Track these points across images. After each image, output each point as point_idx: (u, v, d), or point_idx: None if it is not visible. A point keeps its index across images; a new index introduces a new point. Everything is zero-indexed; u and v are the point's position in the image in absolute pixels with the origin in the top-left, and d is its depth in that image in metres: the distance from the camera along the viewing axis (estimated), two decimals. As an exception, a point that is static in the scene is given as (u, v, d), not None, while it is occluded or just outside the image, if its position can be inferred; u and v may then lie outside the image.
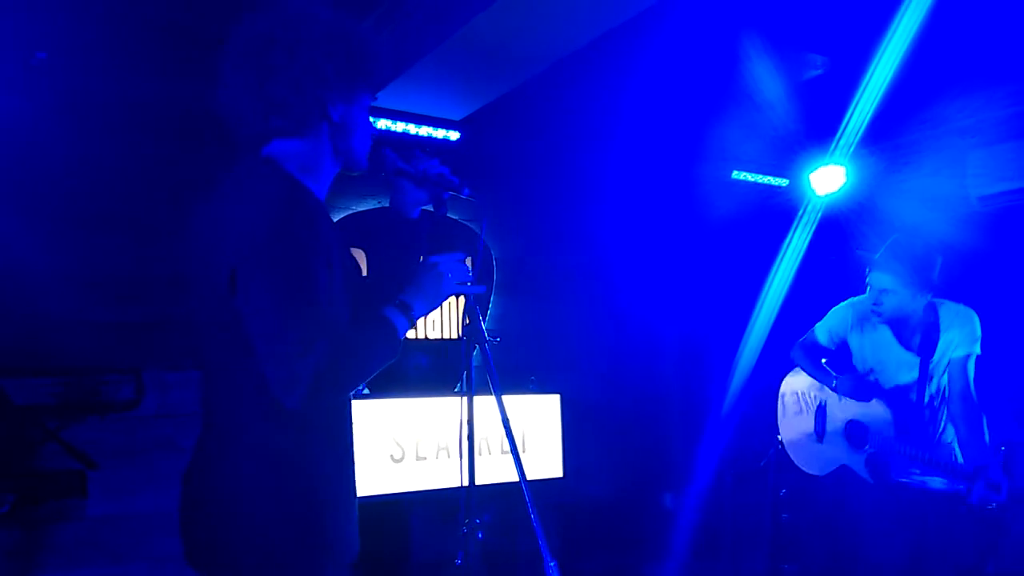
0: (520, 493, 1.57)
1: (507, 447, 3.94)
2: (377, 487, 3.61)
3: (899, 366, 2.98)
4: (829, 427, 3.21)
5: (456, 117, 4.14)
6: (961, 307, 2.96)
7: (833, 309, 3.23)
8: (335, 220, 4.00)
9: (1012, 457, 4.16)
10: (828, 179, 4.63)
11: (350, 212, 4.04)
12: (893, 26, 3.64)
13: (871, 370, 3.07)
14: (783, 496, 3.82)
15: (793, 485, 3.77)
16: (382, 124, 3.97)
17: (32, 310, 3.07)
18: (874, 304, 2.93)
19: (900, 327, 2.98)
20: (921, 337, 2.94)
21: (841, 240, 4.78)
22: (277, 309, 1.36)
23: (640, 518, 4.40)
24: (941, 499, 2.89)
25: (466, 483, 1.67)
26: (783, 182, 5.25)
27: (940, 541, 2.92)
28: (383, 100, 3.87)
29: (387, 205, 1.84)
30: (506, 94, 3.86)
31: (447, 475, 3.73)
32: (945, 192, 4.62)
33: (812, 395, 3.35)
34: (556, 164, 4.68)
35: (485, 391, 1.68)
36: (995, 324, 4.46)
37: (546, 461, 4.17)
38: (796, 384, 3.46)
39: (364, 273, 1.89)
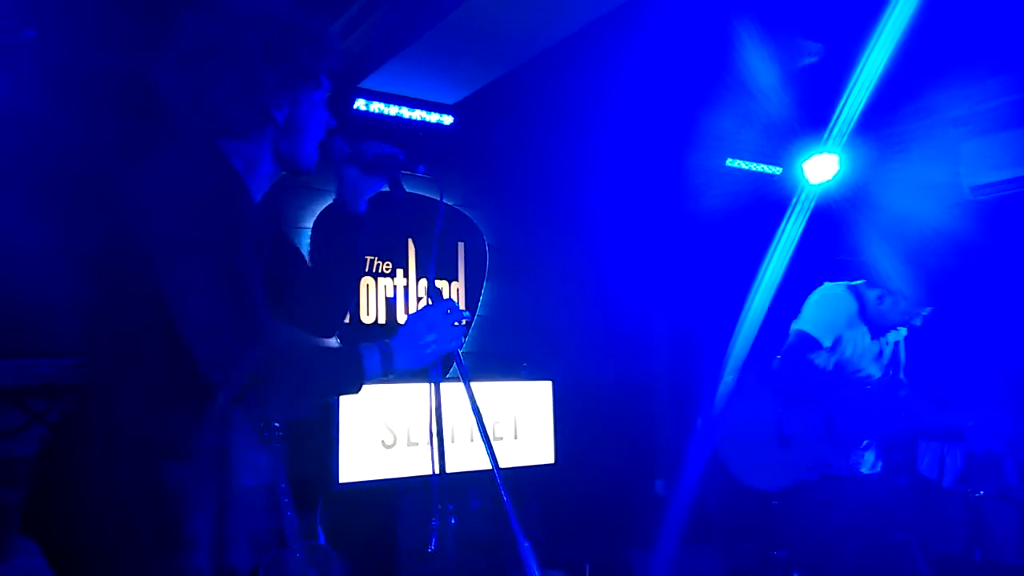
0: (508, 479, 1.56)
1: (498, 434, 3.94)
2: (368, 473, 3.60)
3: (872, 357, 3.02)
4: (797, 428, 3.00)
5: (450, 101, 4.11)
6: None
7: (822, 300, 3.00)
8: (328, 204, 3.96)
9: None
10: (821, 167, 4.63)
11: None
12: (888, 13, 3.63)
13: (856, 368, 3.03)
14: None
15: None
16: (375, 107, 3.93)
17: (16, 291, 3.03)
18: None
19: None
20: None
21: (834, 229, 4.78)
22: (207, 302, 1.32)
23: (632, 504, 4.40)
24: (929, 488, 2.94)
25: (438, 471, 1.66)
26: (777, 170, 5.24)
27: (925, 529, 2.93)
28: (376, 83, 3.84)
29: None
30: (500, 79, 3.83)
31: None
32: (938, 181, 4.62)
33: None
34: (550, 150, 4.66)
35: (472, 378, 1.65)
36: (988, 314, 4.49)
37: (538, 447, 4.16)
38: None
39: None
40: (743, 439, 3.00)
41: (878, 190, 4.69)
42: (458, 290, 4.35)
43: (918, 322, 2.99)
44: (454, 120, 4.15)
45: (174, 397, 1.40)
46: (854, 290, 3.01)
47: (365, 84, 3.83)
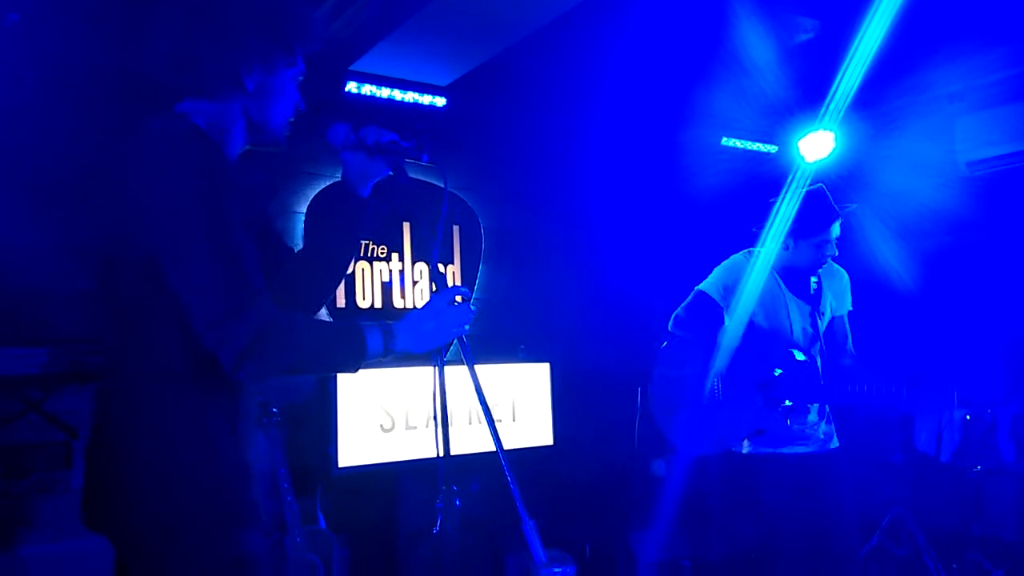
0: (507, 461, 1.55)
1: (496, 416, 3.94)
2: (367, 457, 3.60)
3: (804, 317, 3.01)
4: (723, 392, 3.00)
5: (442, 83, 4.08)
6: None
7: (723, 265, 3.09)
8: (322, 188, 3.94)
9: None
10: (817, 145, 4.60)
11: (335, 180, 3.97)
12: (884, -11, 3.60)
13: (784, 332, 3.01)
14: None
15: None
16: (367, 90, 3.90)
17: (12, 280, 3.02)
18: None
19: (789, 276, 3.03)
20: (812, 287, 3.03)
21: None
22: (204, 269, 1.35)
23: (630, 485, 4.42)
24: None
25: (442, 453, 1.65)
26: (772, 149, 5.22)
27: (923, 504, 2.90)
28: (367, 65, 3.80)
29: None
30: (493, 59, 3.80)
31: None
32: (933, 157, 4.61)
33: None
34: (544, 130, 4.63)
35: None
36: (983, 289, 4.50)
37: (536, 429, 4.17)
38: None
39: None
40: (675, 401, 3.06)
41: (874, 167, 4.68)
42: (454, 273, 4.33)
43: (835, 240, 2.99)
44: (447, 102, 4.12)
45: (197, 371, 1.40)
46: (753, 253, 3.05)
47: (356, 66, 3.79)
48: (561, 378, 4.29)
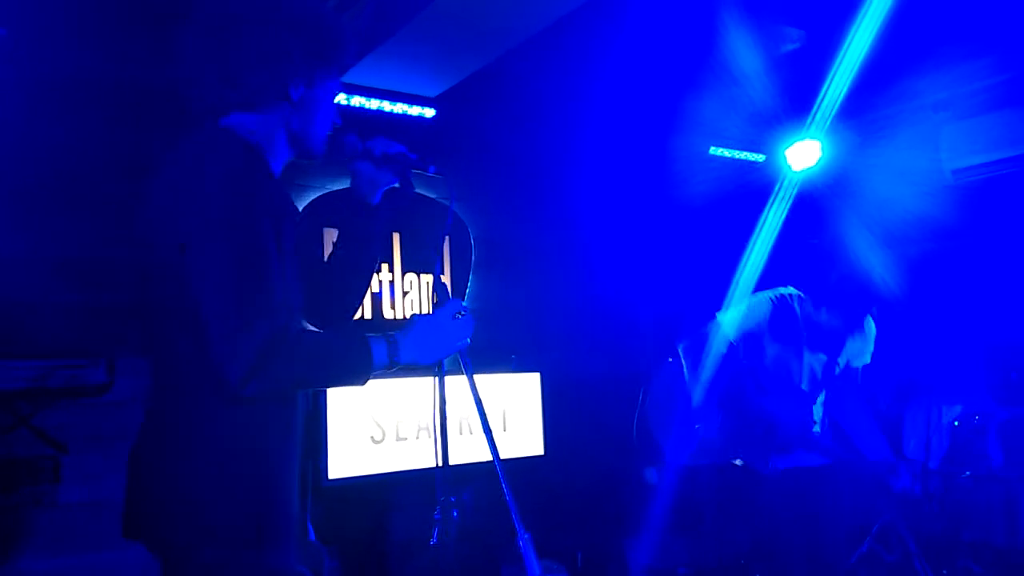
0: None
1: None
2: (357, 468, 3.59)
3: (804, 363, 3.01)
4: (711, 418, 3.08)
5: (431, 94, 4.09)
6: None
7: (749, 303, 3.09)
8: (312, 199, 3.94)
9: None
10: (804, 154, 4.64)
11: (325, 191, 3.97)
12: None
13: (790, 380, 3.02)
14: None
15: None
16: (356, 101, 3.90)
17: (3, 293, 3.00)
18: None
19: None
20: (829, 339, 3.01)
21: (816, 215, 4.80)
22: (224, 279, 1.34)
23: (623, 494, 4.42)
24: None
25: (440, 463, 1.66)
26: (760, 158, 5.26)
27: (912, 511, 2.91)
28: (357, 77, 3.81)
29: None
30: (482, 70, 3.81)
31: (429, 455, 3.72)
32: (919, 166, 4.65)
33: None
34: (533, 141, 4.64)
35: (460, 370, 1.67)
36: (968, 296, 4.53)
37: (527, 439, 4.16)
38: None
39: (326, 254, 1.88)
40: (670, 416, 3.09)
41: (860, 176, 4.72)
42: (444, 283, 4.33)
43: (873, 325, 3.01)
44: (436, 113, 4.13)
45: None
46: (779, 299, 3.03)
47: (346, 78, 3.79)
48: (552, 387, 4.29)
